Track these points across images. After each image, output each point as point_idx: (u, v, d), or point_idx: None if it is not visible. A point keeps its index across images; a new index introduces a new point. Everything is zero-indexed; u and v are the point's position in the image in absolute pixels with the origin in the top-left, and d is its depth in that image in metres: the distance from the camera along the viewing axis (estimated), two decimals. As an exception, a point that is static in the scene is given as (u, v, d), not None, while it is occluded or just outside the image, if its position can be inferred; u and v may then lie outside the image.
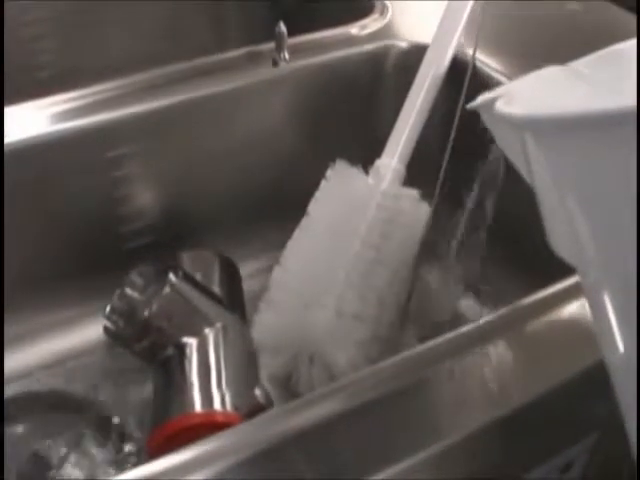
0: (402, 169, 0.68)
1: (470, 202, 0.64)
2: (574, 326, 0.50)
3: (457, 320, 0.73)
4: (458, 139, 0.65)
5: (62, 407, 0.65)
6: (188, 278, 0.66)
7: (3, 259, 0.65)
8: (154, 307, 0.63)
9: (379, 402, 0.45)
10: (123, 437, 0.63)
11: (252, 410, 0.57)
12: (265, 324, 0.66)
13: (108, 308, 0.64)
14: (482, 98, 0.47)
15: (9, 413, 0.63)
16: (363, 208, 0.66)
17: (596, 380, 0.41)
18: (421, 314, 0.72)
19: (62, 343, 0.71)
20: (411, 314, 0.70)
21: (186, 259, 0.70)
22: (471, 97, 0.50)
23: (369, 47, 0.77)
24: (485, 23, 0.70)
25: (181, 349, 0.62)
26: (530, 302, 0.52)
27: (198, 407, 0.58)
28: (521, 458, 0.49)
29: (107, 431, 0.64)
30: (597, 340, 0.38)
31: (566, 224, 0.37)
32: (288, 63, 0.73)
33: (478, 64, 0.72)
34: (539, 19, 0.80)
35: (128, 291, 0.64)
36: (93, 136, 0.67)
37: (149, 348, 0.63)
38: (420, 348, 0.49)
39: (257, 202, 0.77)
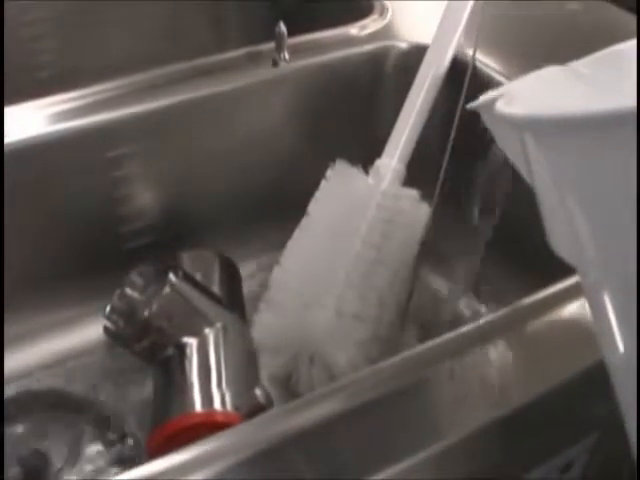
0: (402, 169, 0.68)
1: (476, 202, 0.64)
2: (574, 326, 0.50)
3: (457, 320, 0.73)
4: (458, 139, 0.65)
5: (62, 407, 0.65)
6: (188, 278, 0.66)
7: (3, 259, 0.65)
8: (154, 307, 0.63)
9: (379, 402, 0.45)
10: (123, 437, 0.63)
11: (252, 410, 0.58)
12: (265, 324, 0.66)
13: (108, 308, 0.64)
14: (482, 98, 0.47)
15: (9, 413, 0.63)
16: (363, 208, 0.66)
17: (596, 380, 0.41)
18: (421, 314, 0.72)
19: (62, 343, 0.71)
20: (411, 314, 0.70)
21: (186, 259, 0.70)
22: (471, 97, 0.50)
23: (369, 47, 0.77)
24: (485, 23, 0.70)
25: (181, 349, 0.62)
26: (530, 302, 0.52)
27: (198, 407, 0.58)
28: (521, 458, 0.49)
29: (107, 431, 0.64)
30: (597, 340, 0.38)
31: (566, 224, 0.37)
32: (288, 63, 0.73)
33: (478, 64, 0.72)
34: (539, 19, 0.80)
35: (128, 291, 0.64)
36: (93, 136, 0.67)
37: (149, 348, 0.63)
38: (420, 348, 0.49)
39: (257, 202, 0.77)
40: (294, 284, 0.66)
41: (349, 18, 0.80)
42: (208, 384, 0.60)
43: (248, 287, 0.73)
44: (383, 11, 0.82)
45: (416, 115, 0.69)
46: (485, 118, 0.48)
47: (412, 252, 0.68)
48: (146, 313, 0.63)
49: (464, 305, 0.75)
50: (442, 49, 0.71)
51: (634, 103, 0.31)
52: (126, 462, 0.61)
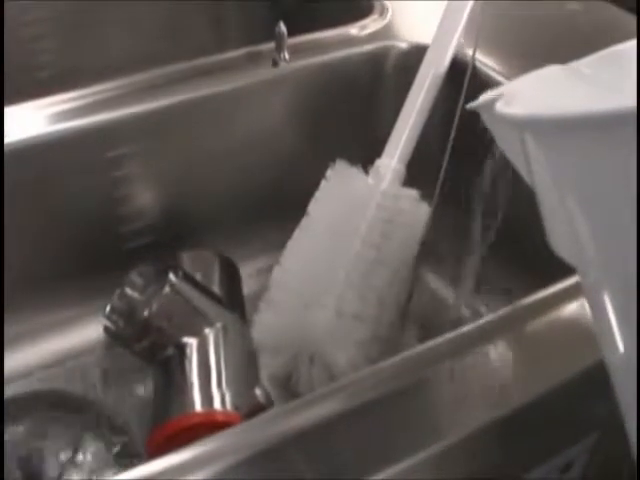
0: (402, 169, 0.68)
1: (478, 202, 0.64)
2: (574, 326, 0.50)
3: (457, 320, 0.73)
4: (458, 139, 0.65)
5: (62, 407, 0.65)
6: (188, 278, 0.66)
7: (3, 259, 0.65)
8: (154, 307, 0.63)
9: (379, 402, 0.45)
10: (123, 437, 0.63)
11: (252, 410, 0.58)
12: (265, 324, 0.66)
13: (108, 308, 0.64)
14: (482, 98, 0.47)
15: (9, 413, 0.63)
16: (363, 208, 0.66)
17: (596, 380, 0.41)
18: (421, 314, 0.72)
19: (62, 343, 0.71)
20: (411, 314, 0.70)
21: (186, 259, 0.70)
22: (471, 97, 0.50)
23: (369, 47, 0.77)
24: (485, 23, 0.70)
25: (181, 349, 0.62)
26: (530, 302, 0.52)
27: (198, 407, 0.58)
28: (521, 458, 0.49)
29: (107, 431, 0.64)
30: (597, 340, 0.38)
31: (566, 224, 0.37)
32: (288, 63, 0.73)
33: (478, 64, 0.72)
34: (539, 19, 0.80)
35: (128, 291, 0.64)
36: (93, 136, 0.67)
37: (149, 348, 0.63)
38: (420, 348, 0.49)
39: (257, 202, 0.77)
40: (294, 284, 0.66)
41: (349, 18, 0.80)
42: (208, 384, 0.60)
43: (248, 287, 0.73)
44: (383, 11, 0.82)
45: (416, 115, 0.69)
46: (485, 118, 0.48)
47: (412, 252, 0.68)
48: (146, 313, 0.63)
49: (464, 305, 0.75)
50: (442, 49, 0.71)
51: (634, 103, 0.31)
52: (126, 462, 0.61)
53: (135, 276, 0.64)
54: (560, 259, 0.40)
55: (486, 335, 0.49)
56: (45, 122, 0.66)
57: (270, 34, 0.73)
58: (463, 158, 0.65)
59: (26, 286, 0.68)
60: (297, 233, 0.68)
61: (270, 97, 0.74)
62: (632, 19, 0.79)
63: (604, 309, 0.37)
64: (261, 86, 0.74)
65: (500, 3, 0.79)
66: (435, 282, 0.78)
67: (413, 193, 0.68)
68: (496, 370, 0.47)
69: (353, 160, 0.68)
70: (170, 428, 0.57)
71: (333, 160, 0.69)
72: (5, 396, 0.64)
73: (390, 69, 0.78)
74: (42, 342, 0.71)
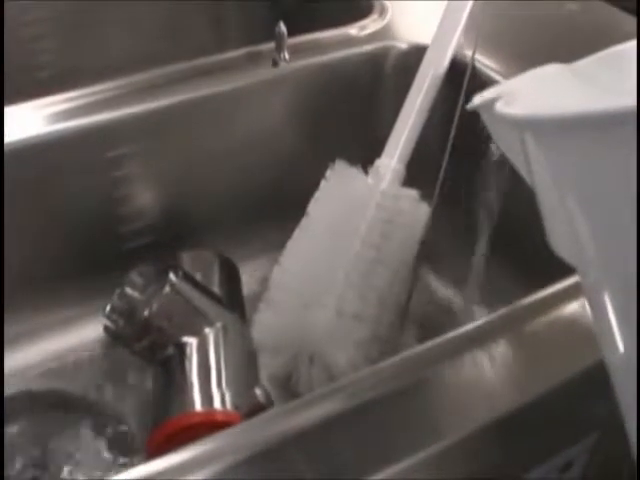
0: (402, 169, 0.68)
1: (475, 202, 0.64)
2: (574, 326, 0.50)
3: (456, 320, 0.73)
4: (458, 139, 0.65)
5: (62, 407, 0.65)
6: (188, 278, 0.66)
7: (3, 259, 0.65)
8: (154, 307, 0.63)
9: (379, 402, 0.45)
10: (123, 437, 0.63)
11: (252, 409, 0.58)
12: (265, 324, 0.66)
13: (108, 307, 0.64)
14: (480, 98, 0.47)
15: (9, 413, 0.63)
16: (363, 208, 0.66)
17: (596, 380, 0.41)
18: (421, 314, 0.72)
19: (62, 343, 0.71)
20: (411, 314, 0.70)
21: (186, 259, 0.70)
22: (471, 97, 0.50)
23: (369, 48, 0.77)
24: (484, 23, 0.70)
25: (181, 349, 0.62)
26: (530, 302, 0.52)
27: (198, 406, 0.58)
28: (521, 458, 0.49)
29: (107, 431, 0.64)
30: (597, 340, 0.38)
31: (566, 224, 0.37)
32: (288, 63, 0.73)
33: (477, 64, 0.72)
34: (538, 19, 0.80)
35: (128, 291, 0.64)
36: (93, 136, 0.67)
37: (149, 348, 0.63)
38: (420, 348, 0.49)
39: (257, 202, 0.77)
40: (294, 284, 0.66)
41: (349, 18, 0.80)
42: (208, 384, 0.60)
43: (248, 287, 0.73)
44: (383, 11, 0.82)
45: (416, 115, 0.69)
46: (484, 118, 0.48)
47: (412, 252, 0.68)
48: (146, 313, 0.63)
49: (464, 305, 0.75)
50: (442, 49, 0.71)
51: (634, 103, 0.31)
52: (126, 462, 0.61)
53: (135, 276, 0.64)
54: (560, 259, 0.40)
55: (486, 335, 0.49)
56: (45, 122, 0.66)
57: (270, 34, 0.73)
58: (463, 158, 0.65)
59: (26, 286, 0.68)
60: (297, 233, 0.68)
61: (270, 97, 0.74)
62: (631, 19, 0.79)
63: (604, 309, 0.37)
64: (261, 86, 0.74)
65: (500, 3, 0.79)
66: (435, 282, 0.78)
67: (413, 193, 0.68)
68: (496, 370, 0.47)
69: (353, 160, 0.68)
70: (170, 427, 0.57)
71: (333, 160, 0.69)
72: (5, 396, 0.64)
73: (390, 69, 0.78)
74: (42, 342, 0.71)
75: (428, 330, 0.71)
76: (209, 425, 0.57)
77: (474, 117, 0.50)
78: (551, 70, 0.46)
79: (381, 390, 0.46)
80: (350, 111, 0.78)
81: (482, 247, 0.66)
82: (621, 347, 0.37)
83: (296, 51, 0.74)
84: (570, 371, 0.47)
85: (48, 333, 0.71)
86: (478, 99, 0.47)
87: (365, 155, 0.69)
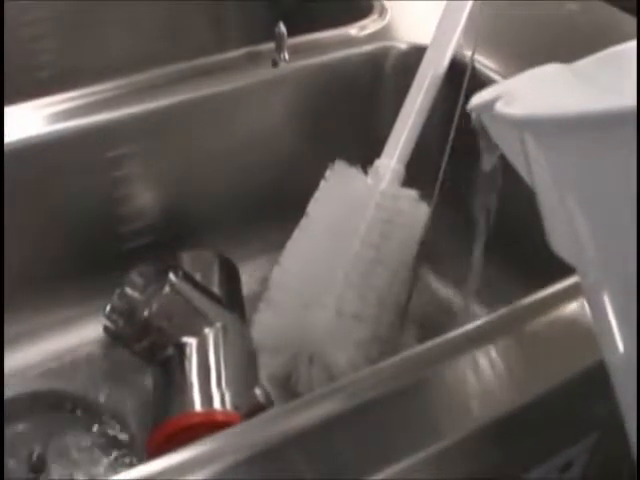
0: (401, 169, 0.68)
1: (475, 202, 0.64)
2: (574, 326, 0.50)
3: (455, 320, 0.73)
4: (457, 139, 0.65)
5: (62, 407, 0.65)
6: (188, 278, 0.66)
7: (3, 259, 0.65)
8: (154, 307, 0.63)
9: (379, 402, 0.45)
10: (123, 437, 0.63)
11: (252, 409, 0.58)
12: (265, 324, 0.66)
13: (108, 307, 0.64)
14: (478, 98, 0.47)
15: (9, 413, 0.63)
16: (362, 208, 0.66)
17: (596, 380, 0.41)
18: (421, 314, 0.72)
19: (62, 343, 0.71)
20: (410, 314, 0.70)
21: (186, 259, 0.70)
22: (470, 97, 0.50)
23: (368, 48, 0.78)
24: (484, 24, 0.70)
25: (181, 349, 0.62)
26: (530, 302, 0.52)
27: (198, 406, 0.58)
28: (521, 458, 0.49)
29: (107, 431, 0.64)
30: (597, 340, 0.38)
31: (566, 224, 0.37)
32: (288, 63, 0.73)
33: (477, 65, 0.72)
34: (538, 19, 0.80)
35: (128, 291, 0.64)
36: (93, 136, 0.67)
37: (149, 348, 0.63)
38: (420, 348, 0.49)
39: (257, 202, 0.77)
40: (294, 284, 0.66)
41: (348, 18, 0.80)
42: (208, 384, 0.60)
43: (248, 287, 0.73)
44: (382, 11, 0.82)
45: (415, 115, 0.69)
46: (484, 118, 0.48)
47: (411, 252, 0.68)
48: (146, 313, 0.63)
49: (462, 305, 0.75)
50: (441, 50, 0.71)
51: (634, 103, 0.31)
52: (126, 462, 0.61)
53: (135, 276, 0.64)
54: (560, 259, 0.40)
55: (486, 335, 0.49)
56: (45, 122, 0.66)
57: (270, 34, 0.73)
58: (462, 158, 0.65)
59: (26, 286, 0.68)
60: (296, 233, 0.68)
61: (270, 97, 0.74)
62: (630, 19, 0.79)
63: (604, 309, 0.37)
64: (261, 86, 0.74)
65: (499, 3, 0.79)
66: (435, 282, 0.78)
67: (412, 193, 0.68)
68: (496, 370, 0.47)
69: (352, 160, 0.68)
70: (170, 428, 0.57)
71: (333, 160, 0.69)
72: (5, 396, 0.64)
73: (389, 69, 0.78)
74: (42, 342, 0.71)
75: (428, 330, 0.71)
76: (209, 425, 0.57)
77: (474, 117, 0.50)
78: (550, 70, 0.46)
79: (381, 390, 0.46)
80: (350, 111, 0.78)
81: (481, 247, 0.66)
82: (621, 347, 0.37)
83: (296, 51, 0.74)
84: (570, 371, 0.47)
85: (48, 333, 0.71)
86: (477, 99, 0.47)
87: (365, 155, 0.69)
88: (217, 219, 0.77)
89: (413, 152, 0.69)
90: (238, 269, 0.73)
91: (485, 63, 0.73)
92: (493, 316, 0.52)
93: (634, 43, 0.43)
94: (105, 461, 0.62)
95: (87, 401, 0.66)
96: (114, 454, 0.62)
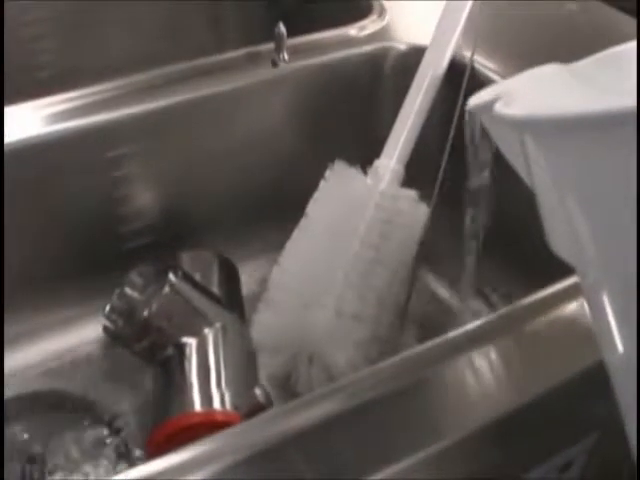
0: (401, 170, 0.68)
1: (475, 202, 0.64)
2: (574, 326, 0.50)
3: (455, 320, 0.73)
4: (457, 140, 0.65)
5: (62, 407, 0.65)
6: (188, 278, 0.66)
7: (3, 259, 0.65)
8: (154, 307, 0.63)
9: (379, 402, 0.45)
10: (122, 437, 0.63)
11: (252, 409, 0.58)
12: (264, 324, 0.66)
13: (108, 307, 0.64)
14: (477, 98, 0.47)
15: (9, 413, 0.63)
16: (362, 208, 0.66)
17: (596, 380, 0.41)
18: (421, 314, 0.72)
19: (62, 343, 0.71)
20: (410, 314, 0.70)
21: (186, 259, 0.70)
22: (470, 98, 0.50)
23: (368, 48, 0.78)
24: (483, 24, 0.70)
25: (181, 349, 0.62)
26: (530, 302, 0.52)
27: (198, 406, 0.58)
28: (521, 458, 0.49)
29: (106, 431, 0.64)
30: (597, 340, 0.38)
31: (566, 224, 0.37)
32: (287, 64, 0.73)
33: (476, 65, 0.72)
34: (537, 20, 0.80)
35: (128, 291, 0.64)
36: (93, 136, 0.67)
37: (149, 348, 0.63)
38: (420, 348, 0.49)
39: (257, 202, 0.77)
40: (293, 284, 0.66)
41: (348, 19, 0.80)
42: (207, 384, 0.60)
43: (247, 287, 0.73)
44: (382, 12, 0.82)
45: (415, 116, 0.69)
46: (483, 119, 0.48)
47: (411, 252, 0.68)
48: (146, 313, 0.63)
49: (464, 305, 0.75)
50: (440, 50, 0.71)
51: (634, 103, 0.31)
52: (126, 462, 0.61)
53: (135, 276, 0.64)
54: (560, 259, 0.40)
55: (486, 335, 0.49)
56: (45, 122, 0.66)
57: (269, 34, 0.73)
58: (462, 158, 0.65)
59: (26, 286, 0.68)
60: (296, 233, 0.68)
61: (270, 97, 0.74)
62: (630, 20, 0.79)
63: (603, 309, 0.37)
64: (261, 86, 0.74)
65: (499, 3, 0.79)
66: (434, 282, 0.78)
67: (412, 193, 0.68)
68: (496, 370, 0.47)
69: (352, 160, 0.68)
70: (170, 428, 0.57)
71: (332, 160, 0.69)
72: (5, 396, 0.64)
73: (389, 70, 0.78)
74: (42, 342, 0.71)
75: (428, 330, 0.71)
76: (209, 425, 0.57)
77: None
78: (549, 70, 0.46)
79: (381, 390, 0.46)
80: (349, 111, 0.78)
81: (479, 247, 0.66)
82: (621, 347, 0.37)
83: (295, 51, 0.74)
84: (570, 371, 0.47)
85: (48, 333, 0.71)
86: (475, 100, 0.47)
87: (364, 155, 0.69)
88: (217, 219, 0.77)
89: (413, 152, 0.69)
90: (238, 269, 0.73)
91: (484, 63, 0.73)
92: (493, 316, 0.52)
93: (634, 44, 0.43)
94: (105, 461, 0.62)
95: (87, 401, 0.66)
96: (114, 454, 0.62)
